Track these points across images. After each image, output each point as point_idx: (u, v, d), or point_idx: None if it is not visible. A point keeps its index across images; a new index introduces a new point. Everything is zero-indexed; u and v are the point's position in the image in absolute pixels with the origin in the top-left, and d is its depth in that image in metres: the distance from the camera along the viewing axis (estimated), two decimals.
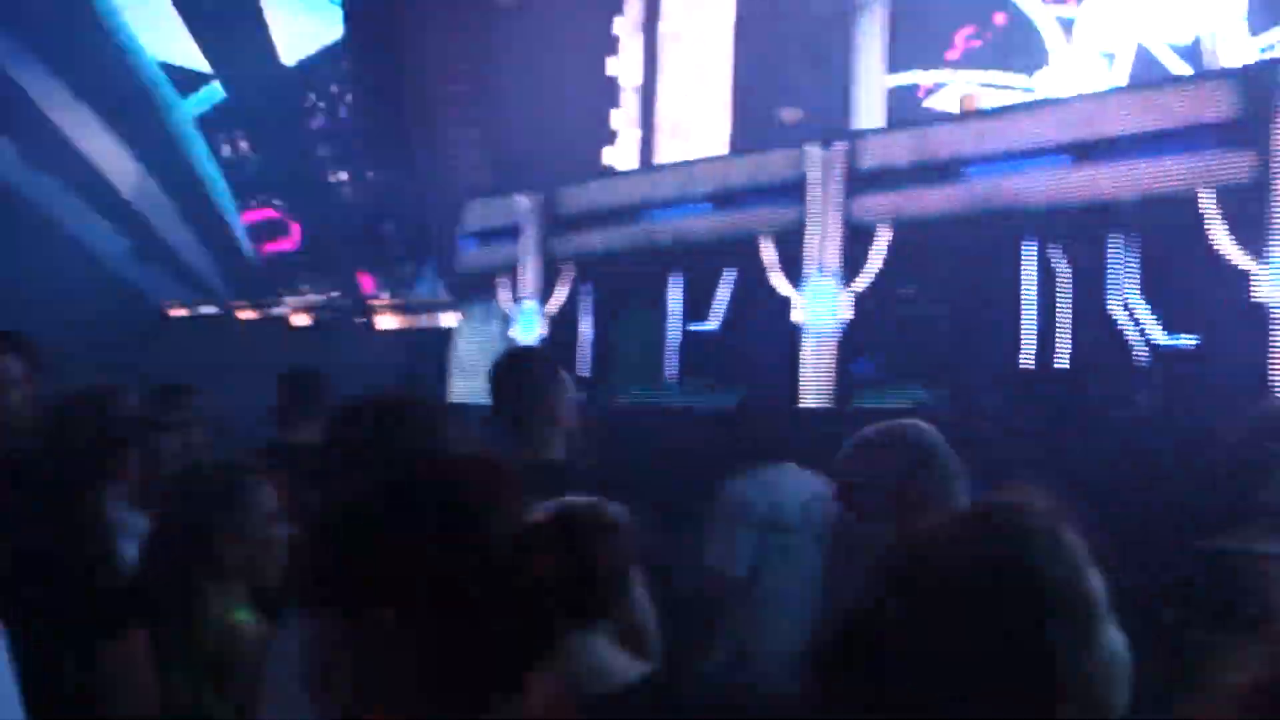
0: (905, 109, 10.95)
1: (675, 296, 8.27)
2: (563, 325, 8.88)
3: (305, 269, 15.43)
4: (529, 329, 9.10)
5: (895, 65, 11.68)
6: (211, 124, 15.99)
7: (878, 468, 2.16)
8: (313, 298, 14.21)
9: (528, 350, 5.72)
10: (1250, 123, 5.52)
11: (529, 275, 9.13)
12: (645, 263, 8.37)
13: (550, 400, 2.87)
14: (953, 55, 11.17)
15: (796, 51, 10.89)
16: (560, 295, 8.90)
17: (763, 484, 3.64)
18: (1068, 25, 10.44)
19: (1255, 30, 8.68)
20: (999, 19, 10.96)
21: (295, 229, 15.88)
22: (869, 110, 11.38)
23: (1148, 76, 7.94)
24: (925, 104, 11.09)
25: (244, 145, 16.03)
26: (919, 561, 1.00)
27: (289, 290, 14.79)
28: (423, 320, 12.83)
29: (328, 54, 14.64)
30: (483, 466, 1.17)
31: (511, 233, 9.37)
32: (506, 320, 9.41)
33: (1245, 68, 6.14)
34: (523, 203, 9.20)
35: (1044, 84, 10.38)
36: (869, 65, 11.56)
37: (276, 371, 3.90)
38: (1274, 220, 5.45)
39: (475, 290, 9.85)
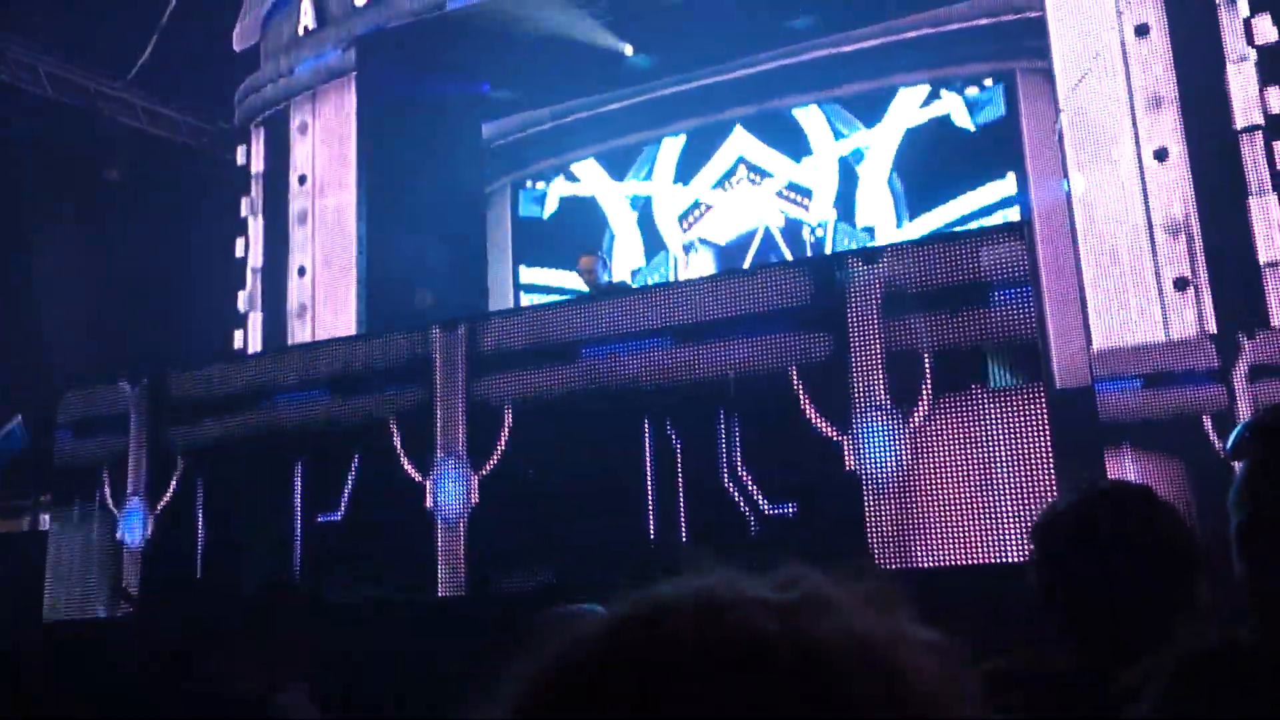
0: None
1: (298, 486, 7.81)
2: (174, 524, 8.12)
3: None
4: (135, 529, 8.25)
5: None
6: None
7: None
8: None
9: None
10: (827, 306, 6.04)
11: (135, 470, 8.34)
12: (266, 451, 7.88)
13: None
14: None
15: (429, 234, 10.98)
16: (170, 491, 8.17)
17: None
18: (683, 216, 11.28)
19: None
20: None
21: None
22: (502, 292, 11.62)
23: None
24: None
25: None
26: None
27: None
28: (19, 523, 11.41)
29: None
30: None
31: (116, 423, 8.57)
32: (110, 520, 8.50)
33: (818, 258, 6.86)
34: (127, 390, 8.47)
35: (665, 266, 11.10)
36: (500, 246, 11.88)
37: None
38: (855, 393, 5.93)
39: (74, 488, 8.86)
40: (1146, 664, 0.89)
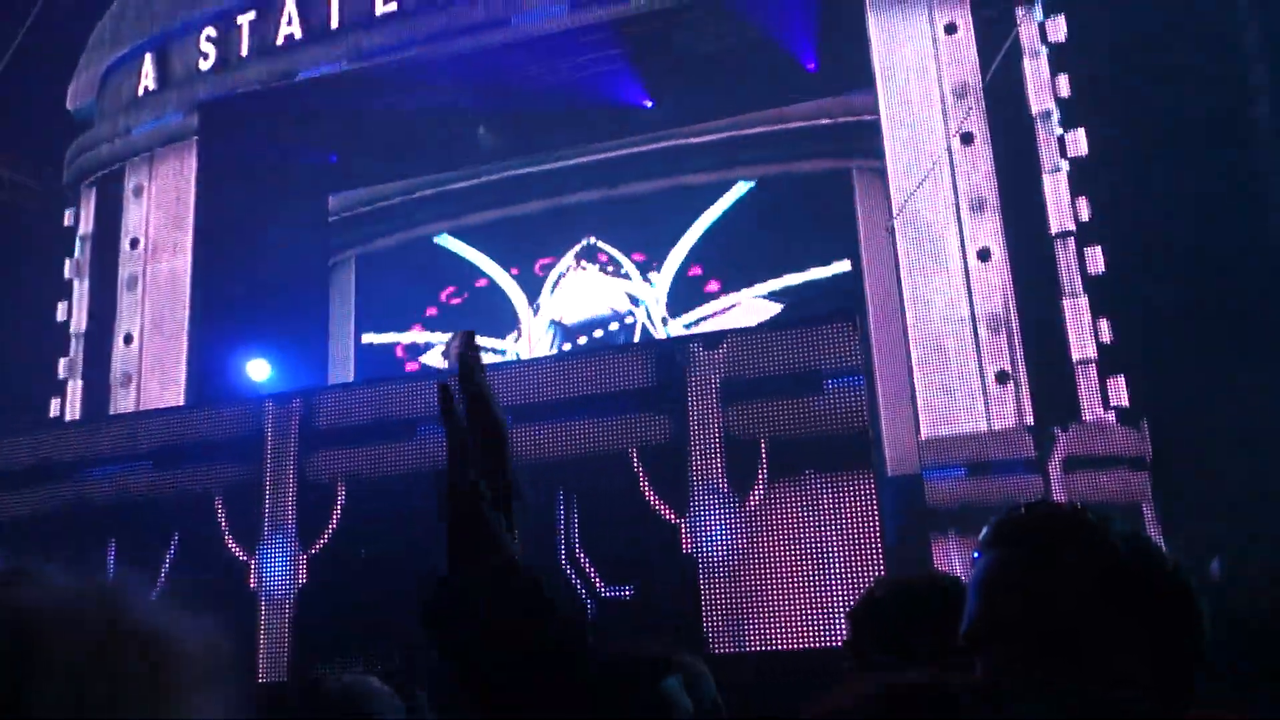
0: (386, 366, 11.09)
1: (110, 565, 7.35)
2: None
3: None
4: None
5: (372, 323, 11.89)
6: None
7: None
8: None
9: None
10: (668, 389, 6.11)
11: None
12: (77, 525, 7.42)
13: None
14: (433, 312, 11.58)
15: (268, 304, 10.67)
16: None
17: None
18: (533, 297, 11.33)
19: (675, 312, 9.92)
20: (480, 283, 11.63)
21: None
22: (343, 366, 11.36)
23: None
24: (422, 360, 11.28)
25: None
26: None
27: None
28: None
29: None
30: None
31: None
32: None
33: (661, 342, 6.99)
34: None
35: (512, 347, 11.06)
36: (342, 320, 11.64)
37: None
38: (693, 477, 5.98)
39: None
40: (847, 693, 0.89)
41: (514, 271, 11.53)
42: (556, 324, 11.09)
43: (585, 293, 11.07)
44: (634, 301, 10.80)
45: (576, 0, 9.40)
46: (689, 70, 10.12)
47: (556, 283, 11.22)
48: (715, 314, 10.29)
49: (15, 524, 7.56)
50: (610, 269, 11.11)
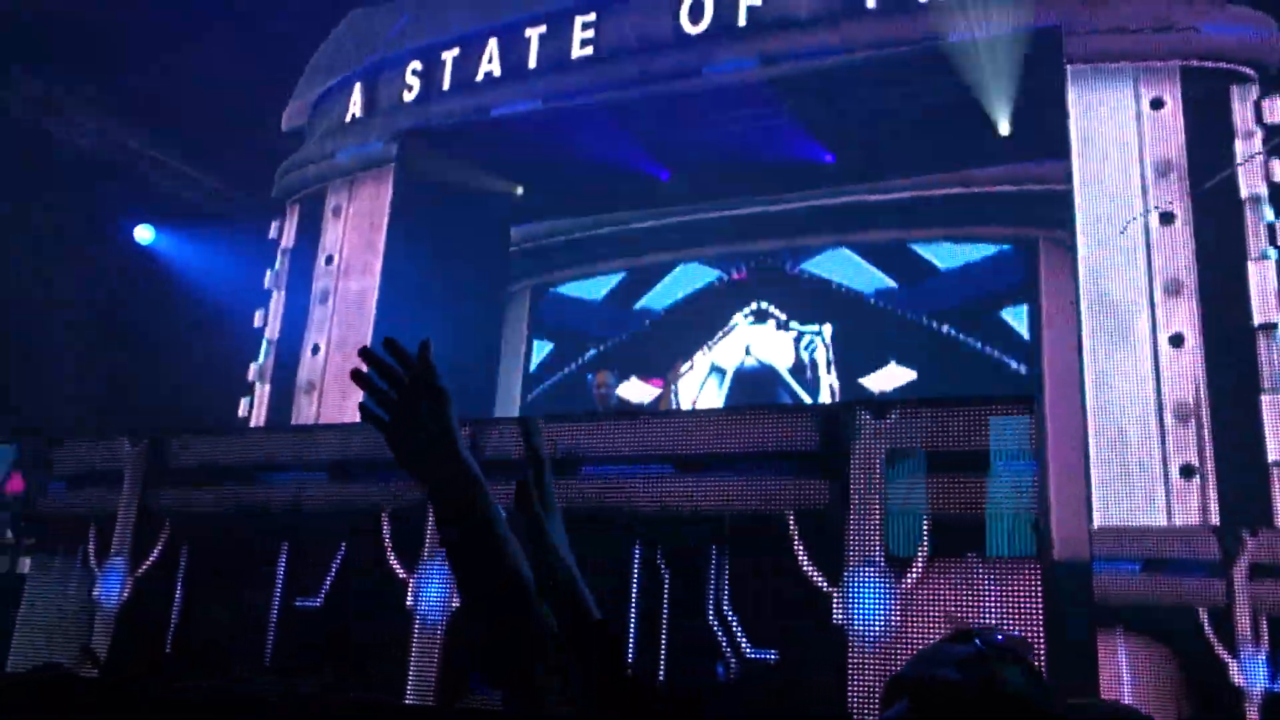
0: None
1: (281, 567, 7.72)
2: (151, 589, 8.01)
3: None
4: (112, 590, 8.14)
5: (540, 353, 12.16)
6: None
7: None
8: None
9: None
10: (830, 454, 6.03)
11: (122, 529, 8.26)
12: (254, 528, 7.82)
13: None
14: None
15: (446, 327, 11.05)
16: (154, 555, 8.08)
17: None
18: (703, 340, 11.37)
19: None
20: (646, 321, 11.80)
21: None
22: (509, 395, 11.65)
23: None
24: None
25: None
26: None
27: None
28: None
29: None
30: None
31: (111, 480, 8.53)
32: (90, 577, 8.40)
33: (827, 405, 6.92)
34: (127, 448, 8.45)
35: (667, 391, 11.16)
36: (513, 349, 11.95)
37: None
38: (849, 547, 5.88)
39: (59, 539, 8.77)
40: None
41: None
42: (717, 369, 11.13)
43: (751, 342, 11.08)
44: (799, 348, 10.75)
45: (766, 55, 9.46)
46: (873, 127, 10.05)
47: (726, 331, 11.26)
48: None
49: (203, 516, 8.03)
50: (776, 322, 11.09)
